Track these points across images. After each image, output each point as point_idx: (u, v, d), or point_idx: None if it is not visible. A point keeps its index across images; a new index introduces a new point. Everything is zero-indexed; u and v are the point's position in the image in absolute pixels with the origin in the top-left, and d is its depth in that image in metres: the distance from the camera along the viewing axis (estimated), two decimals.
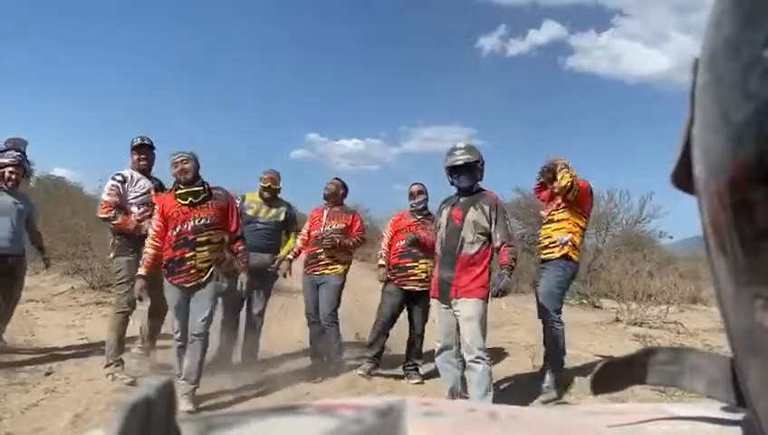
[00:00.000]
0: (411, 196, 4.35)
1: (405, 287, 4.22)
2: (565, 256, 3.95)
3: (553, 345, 3.93)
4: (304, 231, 4.51)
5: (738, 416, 0.32)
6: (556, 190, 4.01)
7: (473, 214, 3.28)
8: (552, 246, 3.98)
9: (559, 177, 3.90)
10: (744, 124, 0.20)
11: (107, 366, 3.81)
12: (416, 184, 4.41)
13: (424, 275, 4.12)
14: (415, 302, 4.27)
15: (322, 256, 4.36)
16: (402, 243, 4.22)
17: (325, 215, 4.45)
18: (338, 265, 4.38)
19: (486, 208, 3.28)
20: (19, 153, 4.19)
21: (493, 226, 3.27)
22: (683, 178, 0.26)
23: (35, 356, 4.19)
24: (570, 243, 3.95)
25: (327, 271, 4.35)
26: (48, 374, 3.80)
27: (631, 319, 7.23)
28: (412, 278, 4.19)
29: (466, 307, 3.22)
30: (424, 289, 4.05)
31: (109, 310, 6.29)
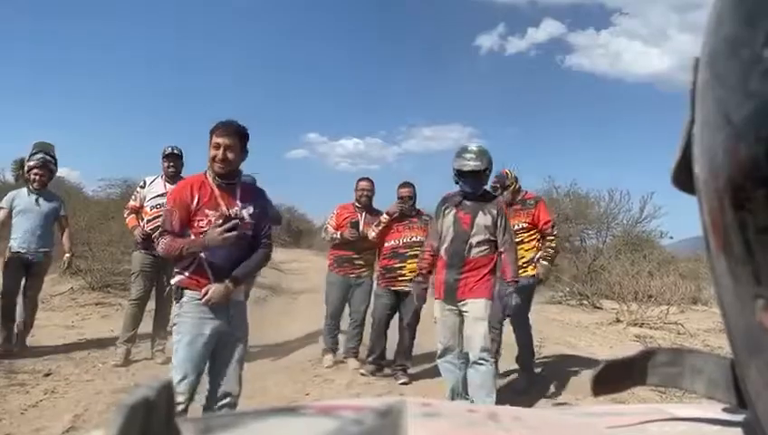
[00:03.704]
0: (401, 198, 4.33)
1: (393, 288, 4.27)
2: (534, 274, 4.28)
3: (530, 347, 4.29)
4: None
5: (739, 417, 0.32)
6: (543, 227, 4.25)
7: (482, 218, 3.35)
8: (525, 265, 4.19)
9: (541, 219, 4.17)
10: (744, 123, 0.20)
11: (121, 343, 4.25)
12: (405, 186, 4.39)
13: (413, 275, 4.02)
14: (404, 300, 4.25)
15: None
16: (391, 244, 4.26)
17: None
18: None
19: (494, 212, 3.36)
20: (44, 156, 4.44)
21: (498, 230, 3.36)
22: (683, 178, 0.26)
23: (35, 357, 4.18)
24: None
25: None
26: (47, 375, 3.80)
27: (632, 319, 7.21)
28: (401, 279, 4.22)
29: (475, 308, 3.28)
30: None
31: (108, 310, 6.32)
